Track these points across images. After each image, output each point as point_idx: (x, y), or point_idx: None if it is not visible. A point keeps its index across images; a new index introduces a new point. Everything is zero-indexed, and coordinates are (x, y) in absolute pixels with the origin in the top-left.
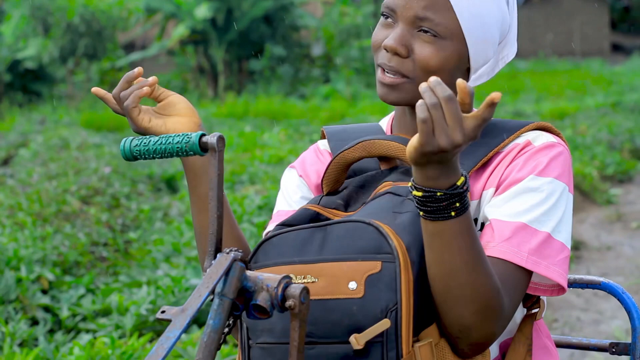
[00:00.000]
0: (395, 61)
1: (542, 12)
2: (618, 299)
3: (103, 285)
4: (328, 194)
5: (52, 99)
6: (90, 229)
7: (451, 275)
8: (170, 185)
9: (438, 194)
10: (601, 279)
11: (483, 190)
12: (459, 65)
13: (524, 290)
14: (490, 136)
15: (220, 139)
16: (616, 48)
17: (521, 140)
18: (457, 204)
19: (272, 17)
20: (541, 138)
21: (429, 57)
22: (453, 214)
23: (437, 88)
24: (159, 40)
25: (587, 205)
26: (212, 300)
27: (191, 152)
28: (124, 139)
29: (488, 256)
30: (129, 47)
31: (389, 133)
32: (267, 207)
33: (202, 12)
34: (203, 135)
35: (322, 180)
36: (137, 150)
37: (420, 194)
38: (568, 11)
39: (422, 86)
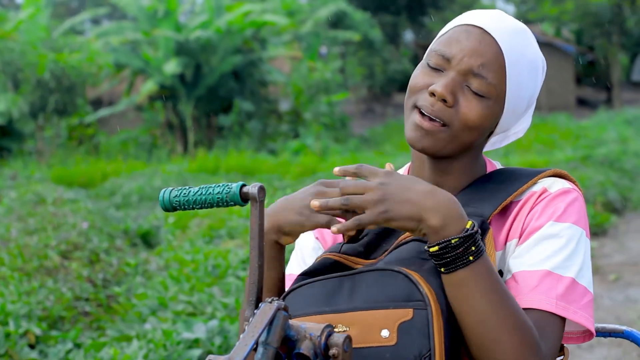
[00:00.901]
0: (438, 107)
1: None
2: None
3: (89, 340)
4: (348, 242)
5: (22, 154)
6: (72, 284)
7: (483, 321)
8: (146, 240)
9: (453, 241)
10: (624, 328)
11: (507, 241)
12: (490, 126)
13: (558, 336)
14: (507, 182)
15: (261, 189)
16: (582, 102)
17: (537, 187)
18: (473, 247)
19: (241, 73)
20: (557, 184)
21: (472, 113)
22: (471, 258)
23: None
24: (127, 95)
25: None
26: (255, 349)
27: (232, 203)
28: (163, 190)
29: None
30: (97, 103)
31: None
32: None
33: (171, 67)
34: (244, 185)
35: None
36: (176, 201)
37: (436, 248)
38: None
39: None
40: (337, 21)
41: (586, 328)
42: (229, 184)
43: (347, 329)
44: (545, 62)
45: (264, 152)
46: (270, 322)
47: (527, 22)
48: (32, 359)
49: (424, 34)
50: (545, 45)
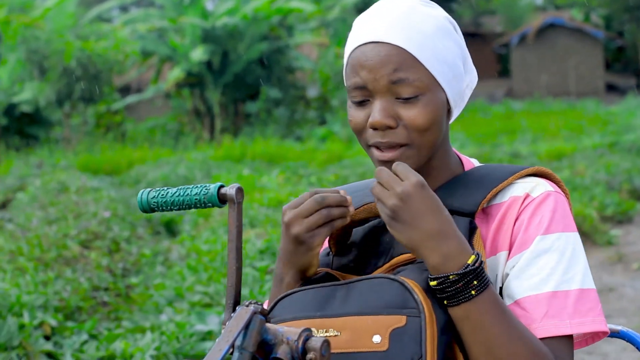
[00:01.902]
0: (389, 135)
1: (537, 52)
2: (637, 348)
3: (105, 331)
4: (337, 253)
5: (49, 142)
6: (91, 274)
7: (492, 353)
8: (169, 228)
9: (451, 277)
10: (619, 328)
11: (495, 250)
12: (443, 112)
13: (571, 355)
14: (488, 179)
15: (239, 190)
16: (611, 88)
17: (520, 192)
18: (475, 282)
19: (268, 60)
20: (539, 188)
21: (419, 118)
22: (473, 292)
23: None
24: (155, 83)
25: (587, 247)
26: (232, 353)
27: (209, 204)
28: (141, 191)
29: None
30: (125, 90)
31: None
32: (269, 250)
33: (198, 55)
34: (222, 186)
35: (329, 241)
36: (154, 202)
37: (435, 282)
38: (562, 52)
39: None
40: (364, 7)
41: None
42: (207, 185)
43: (339, 333)
44: (448, 17)
45: (291, 139)
46: (246, 326)
47: (556, 7)
48: (46, 350)
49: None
50: (574, 31)
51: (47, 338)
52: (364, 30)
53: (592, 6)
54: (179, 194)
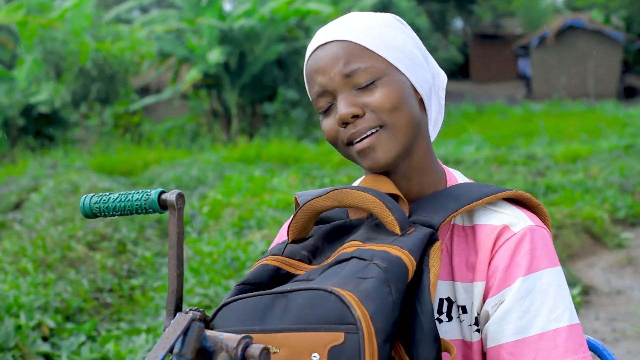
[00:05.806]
0: (360, 124)
1: (556, 54)
2: (598, 355)
3: (105, 332)
4: (293, 242)
5: (65, 143)
6: (94, 275)
7: None
8: None
9: None
10: None
11: (472, 277)
12: (409, 94)
13: None
14: (462, 196)
15: (180, 196)
16: (631, 90)
17: (498, 221)
18: None
19: (285, 61)
20: (520, 223)
21: (383, 99)
22: None
23: None
24: (173, 84)
25: (597, 250)
26: None
27: (150, 210)
28: (84, 196)
29: None
30: (144, 91)
31: None
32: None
33: (215, 56)
34: (162, 192)
35: (288, 227)
36: (96, 207)
37: None
38: (582, 53)
39: None
40: (383, 9)
41: None
42: (148, 190)
43: (278, 350)
44: (396, 16)
45: (307, 140)
46: (185, 333)
47: (575, 9)
48: (43, 351)
49: (472, 21)
50: (593, 33)
51: (45, 339)
52: (318, 39)
53: (613, 8)
54: (121, 200)
